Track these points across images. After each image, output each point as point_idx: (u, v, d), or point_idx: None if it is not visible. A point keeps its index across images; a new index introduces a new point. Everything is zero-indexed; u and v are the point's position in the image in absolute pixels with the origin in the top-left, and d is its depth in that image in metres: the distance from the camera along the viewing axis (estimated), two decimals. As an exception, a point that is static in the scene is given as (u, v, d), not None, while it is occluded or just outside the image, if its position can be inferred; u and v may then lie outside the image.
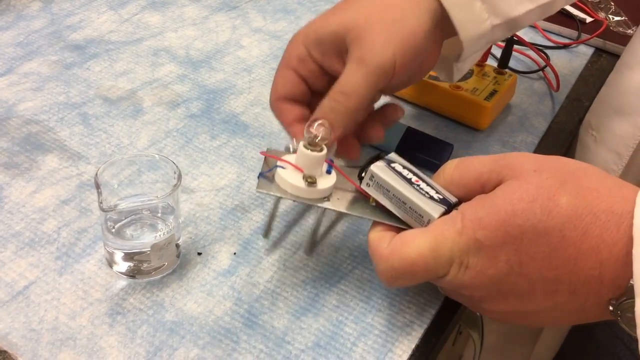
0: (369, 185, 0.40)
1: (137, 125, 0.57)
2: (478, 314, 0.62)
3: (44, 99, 0.58)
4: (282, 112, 0.46)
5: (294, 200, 0.41)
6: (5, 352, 0.38)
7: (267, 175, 0.41)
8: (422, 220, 0.39)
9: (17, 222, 0.46)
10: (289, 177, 0.40)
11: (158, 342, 0.40)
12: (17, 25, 0.68)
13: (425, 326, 0.43)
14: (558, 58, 0.74)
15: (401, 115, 0.49)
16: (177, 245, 0.44)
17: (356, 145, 0.47)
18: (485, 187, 0.38)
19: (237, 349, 0.40)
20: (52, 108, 0.57)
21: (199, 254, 0.46)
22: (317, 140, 0.40)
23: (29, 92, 0.59)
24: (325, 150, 0.40)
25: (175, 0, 0.77)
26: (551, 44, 0.76)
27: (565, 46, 0.76)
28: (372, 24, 0.42)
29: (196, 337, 0.40)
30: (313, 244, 0.46)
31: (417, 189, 0.39)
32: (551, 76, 0.69)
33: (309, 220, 0.50)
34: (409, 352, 0.41)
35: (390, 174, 0.39)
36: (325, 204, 0.41)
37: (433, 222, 0.38)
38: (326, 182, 0.41)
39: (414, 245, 0.37)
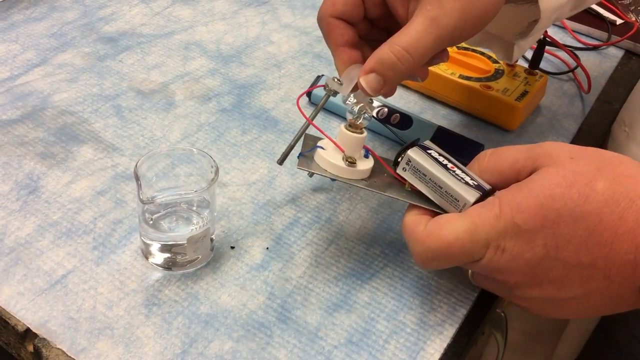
0: (405, 170, 0.41)
1: (169, 118, 0.57)
2: (503, 314, 0.63)
3: (78, 90, 0.59)
4: (333, 30, 0.44)
5: (333, 179, 0.42)
6: (45, 339, 0.39)
7: (306, 154, 0.42)
8: (458, 204, 0.39)
9: (54, 211, 0.47)
10: (329, 156, 0.42)
11: (193, 334, 0.40)
12: (50, 16, 0.69)
13: (457, 326, 0.43)
14: (588, 60, 0.74)
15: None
16: (212, 239, 0.45)
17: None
18: (521, 174, 0.38)
19: (271, 343, 0.41)
20: (86, 99, 0.58)
21: (232, 247, 0.46)
22: (358, 122, 0.42)
23: (63, 83, 0.60)
24: (365, 133, 0.42)
25: (206, -6, 0.77)
26: (581, 46, 0.75)
27: (595, 48, 0.76)
28: None
29: (230, 330, 0.41)
30: (286, 155, 0.45)
31: (453, 175, 0.40)
32: (582, 78, 0.69)
33: (340, 217, 0.50)
34: (441, 351, 0.41)
35: (426, 158, 0.41)
36: (362, 184, 0.42)
37: (471, 207, 0.38)
38: (365, 164, 0.42)
39: (451, 228, 0.37)
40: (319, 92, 0.60)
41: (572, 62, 0.70)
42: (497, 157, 0.40)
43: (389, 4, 0.44)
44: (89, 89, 0.59)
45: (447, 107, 0.64)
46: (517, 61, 0.60)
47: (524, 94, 0.61)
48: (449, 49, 0.44)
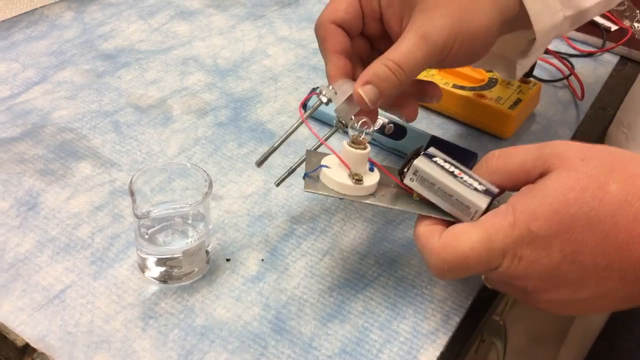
0: (413, 180, 0.41)
1: (166, 133, 0.58)
2: (502, 322, 0.63)
3: (77, 107, 0.60)
4: (331, 36, 0.45)
5: (341, 198, 0.42)
6: (43, 354, 0.40)
7: (311, 175, 0.42)
8: (469, 211, 0.39)
9: (52, 227, 0.48)
10: (335, 175, 0.41)
11: (189, 346, 0.41)
12: (50, 34, 0.70)
13: (450, 334, 0.44)
14: (583, 66, 0.74)
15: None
16: (207, 252, 0.46)
17: (414, 105, 0.47)
18: (530, 175, 0.38)
19: (265, 354, 0.41)
20: (85, 116, 0.59)
21: (228, 260, 0.47)
22: (360, 138, 0.41)
23: (62, 101, 0.61)
24: (369, 148, 0.42)
25: (203, 10, 0.78)
26: (576, 52, 0.76)
27: (590, 54, 0.76)
28: (445, 5, 0.42)
29: (225, 342, 0.42)
30: (265, 158, 0.45)
31: (461, 182, 0.40)
32: (576, 85, 0.69)
33: (334, 227, 0.50)
34: (434, 359, 0.42)
35: (434, 167, 0.40)
36: (371, 200, 0.42)
37: (483, 216, 0.38)
38: (371, 178, 0.42)
39: (466, 239, 0.37)
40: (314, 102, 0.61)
41: (566, 70, 0.70)
42: (505, 158, 0.40)
43: (385, 21, 0.46)
44: (87, 105, 0.61)
45: (441, 117, 0.64)
46: (482, 89, 0.61)
47: (517, 102, 0.62)
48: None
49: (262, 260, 0.47)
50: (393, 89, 0.42)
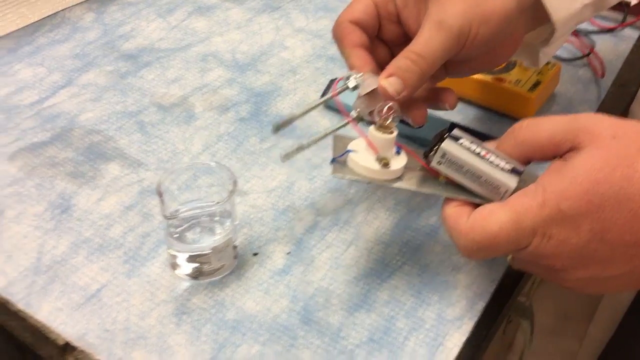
0: (441, 163, 0.41)
1: (190, 130, 0.60)
2: (528, 303, 0.63)
3: (102, 109, 0.62)
4: (347, 34, 0.46)
5: (369, 183, 0.42)
6: (84, 351, 0.42)
7: (339, 160, 0.42)
8: (499, 191, 0.40)
9: (86, 228, 0.50)
10: (362, 160, 0.41)
11: (222, 340, 0.43)
12: (73, 37, 0.72)
13: (476, 319, 0.44)
14: (603, 43, 0.73)
15: (452, 106, 0.50)
16: (235, 247, 0.47)
17: (424, 108, 0.48)
18: (560, 148, 0.38)
19: (295, 345, 0.42)
20: (110, 117, 0.61)
21: (255, 254, 0.48)
22: (387, 123, 0.41)
23: (88, 103, 0.62)
24: (395, 132, 0.42)
25: (220, 4, 0.79)
26: (596, 29, 0.75)
27: (610, 30, 0.75)
28: None
29: (256, 334, 0.43)
30: (284, 124, 0.45)
31: (488, 162, 0.40)
32: (596, 62, 0.69)
33: (358, 218, 0.51)
34: (460, 345, 0.43)
35: (461, 150, 0.40)
36: (399, 184, 0.42)
37: (512, 196, 0.39)
38: (398, 162, 0.42)
39: (495, 219, 0.38)
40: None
41: (586, 48, 0.70)
42: (534, 129, 0.40)
43: (402, 22, 0.47)
44: (112, 106, 0.62)
45: (460, 102, 0.64)
46: (500, 72, 0.61)
47: (537, 83, 0.62)
48: None
49: (288, 253, 0.48)
50: (416, 78, 0.43)
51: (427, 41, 0.43)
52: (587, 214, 0.36)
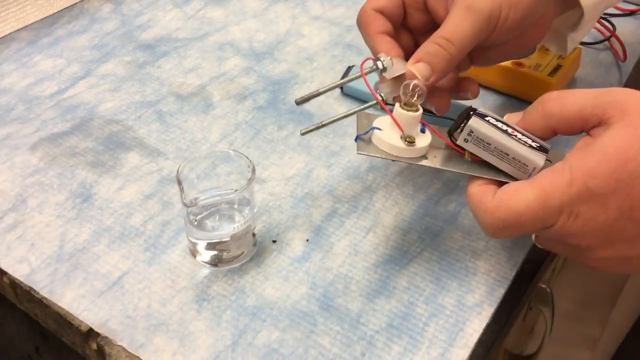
0: (467, 141, 0.40)
1: (208, 119, 0.60)
2: (548, 289, 0.63)
3: (121, 99, 0.62)
4: (372, 21, 0.46)
5: (394, 160, 0.42)
6: (107, 337, 0.42)
7: (363, 137, 0.42)
8: (527, 169, 0.39)
9: (107, 217, 0.50)
10: (387, 137, 0.41)
11: (242, 326, 0.43)
12: (91, 28, 0.72)
13: (495, 305, 0.44)
14: (625, 26, 0.72)
15: (475, 96, 0.49)
16: (254, 234, 0.47)
17: (446, 97, 0.47)
18: (588, 122, 0.38)
19: (315, 331, 0.43)
20: (129, 107, 0.61)
21: (274, 241, 0.48)
22: (413, 101, 0.41)
23: (107, 93, 0.63)
24: (421, 110, 0.41)
25: (236, -7, 0.79)
26: (617, 12, 0.74)
27: (632, 13, 0.74)
28: None
29: (276, 321, 0.43)
30: (306, 99, 0.45)
31: (516, 139, 0.40)
32: (617, 46, 0.67)
33: (376, 205, 0.51)
34: (480, 331, 0.43)
35: (488, 127, 0.40)
36: (424, 162, 0.42)
37: (538, 174, 0.38)
38: (423, 140, 0.42)
39: (521, 197, 0.37)
40: (351, 83, 0.62)
41: (607, 31, 0.69)
42: (562, 102, 0.39)
43: (430, 10, 0.46)
44: (131, 96, 0.63)
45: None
46: (520, 57, 0.60)
47: (557, 68, 0.61)
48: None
49: (307, 240, 0.49)
50: (445, 63, 0.43)
51: (456, 26, 0.42)
52: (615, 192, 0.36)
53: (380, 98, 0.44)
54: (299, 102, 0.45)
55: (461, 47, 0.43)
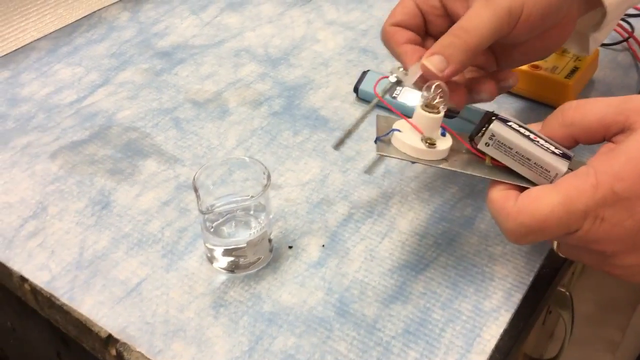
0: (488, 145, 0.40)
1: (224, 126, 0.60)
2: (567, 293, 0.62)
3: (139, 106, 0.63)
4: (394, 35, 0.46)
5: (413, 162, 0.41)
6: (126, 343, 0.43)
7: (383, 139, 0.41)
8: (549, 175, 0.39)
9: (125, 224, 0.51)
10: (407, 139, 0.41)
11: (259, 332, 0.43)
12: (109, 36, 0.73)
13: (513, 311, 0.44)
14: (644, 26, 0.71)
15: (515, 83, 0.48)
16: (270, 240, 0.47)
17: (463, 92, 0.46)
18: (610, 130, 0.38)
19: (331, 337, 0.43)
20: (147, 115, 0.62)
21: (290, 247, 0.49)
22: (434, 102, 0.41)
23: (125, 101, 0.64)
24: (442, 112, 0.41)
25: (252, -1, 0.79)
26: (636, 12, 0.73)
27: (651, 13, 0.73)
28: None
29: (293, 326, 0.43)
30: (342, 141, 0.45)
31: (538, 145, 0.39)
32: (636, 47, 0.67)
33: (392, 210, 0.51)
34: (497, 336, 0.42)
35: (510, 132, 0.39)
36: (444, 165, 0.41)
37: (561, 178, 0.38)
38: (444, 143, 0.41)
39: (545, 202, 0.37)
40: (366, 87, 0.62)
41: (625, 32, 0.68)
42: (583, 110, 0.39)
43: (451, 14, 0.46)
44: (148, 104, 0.63)
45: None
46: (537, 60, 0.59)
47: (574, 70, 0.60)
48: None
49: (323, 245, 0.49)
50: (460, 54, 0.41)
51: (473, 16, 0.42)
52: None
53: (399, 112, 0.43)
54: (336, 147, 0.45)
55: (477, 37, 0.41)
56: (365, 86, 0.62)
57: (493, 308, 0.44)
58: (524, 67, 0.61)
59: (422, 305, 0.45)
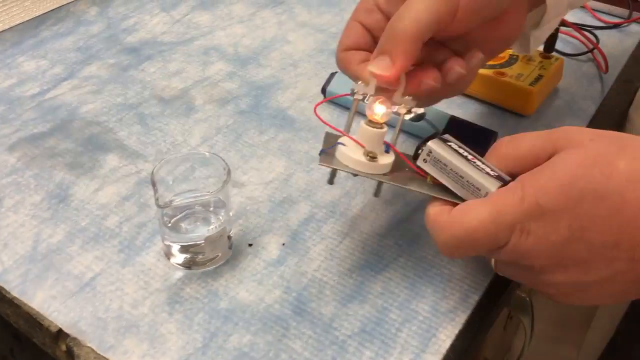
0: (426, 161, 0.41)
1: (189, 123, 0.60)
2: (527, 298, 0.63)
3: (103, 101, 0.62)
4: (348, 60, 0.46)
5: (355, 175, 0.42)
6: (76, 338, 0.42)
7: (328, 152, 0.43)
8: (480, 194, 0.40)
9: (82, 218, 0.50)
10: (350, 152, 0.42)
11: (213, 329, 0.43)
12: (76, 31, 0.72)
13: (469, 312, 0.44)
14: (608, 38, 0.73)
15: (479, 57, 0.45)
16: (229, 237, 0.47)
17: (435, 71, 0.43)
18: (539, 158, 0.38)
19: (287, 335, 0.42)
20: (111, 109, 0.61)
21: (250, 245, 0.48)
22: (376, 118, 0.41)
23: (89, 95, 0.63)
24: (385, 128, 0.42)
25: (223, -2, 0.79)
26: (601, 24, 0.74)
27: (616, 25, 0.75)
28: None
29: (248, 324, 0.43)
30: (333, 175, 0.45)
31: (473, 165, 0.40)
32: (600, 58, 0.68)
33: (354, 210, 0.51)
34: (453, 337, 0.42)
35: (447, 150, 0.41)
36: (385, 179, 0.42)
37: (492, 192, 0.39)
38: (386, 158, 0.43)
39: (474, 213, 0.38)
40: (333, 88, 0.62)
41: (590, 43, 0.69)
42: (515, 144, 0.40)
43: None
44: (113, 99, 0.62)
45: (461, 96, 0.64)
46: (503, 67, 0.60)
47: (539, 78, 0.61)
48: None
49: (283, 244, 0.48)
50: (401, 44, 0.39)
51: (407, 4, 0.40)
52: (565, 210, 0.36)
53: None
54: (330, 182, 0.45)
55: (413, 22, 0.39)
56: (333, 87, 0.62)
57: (450, 309, 0.44)
58: (490, 73, 0.62)
59: (379, 305, 0.44)
